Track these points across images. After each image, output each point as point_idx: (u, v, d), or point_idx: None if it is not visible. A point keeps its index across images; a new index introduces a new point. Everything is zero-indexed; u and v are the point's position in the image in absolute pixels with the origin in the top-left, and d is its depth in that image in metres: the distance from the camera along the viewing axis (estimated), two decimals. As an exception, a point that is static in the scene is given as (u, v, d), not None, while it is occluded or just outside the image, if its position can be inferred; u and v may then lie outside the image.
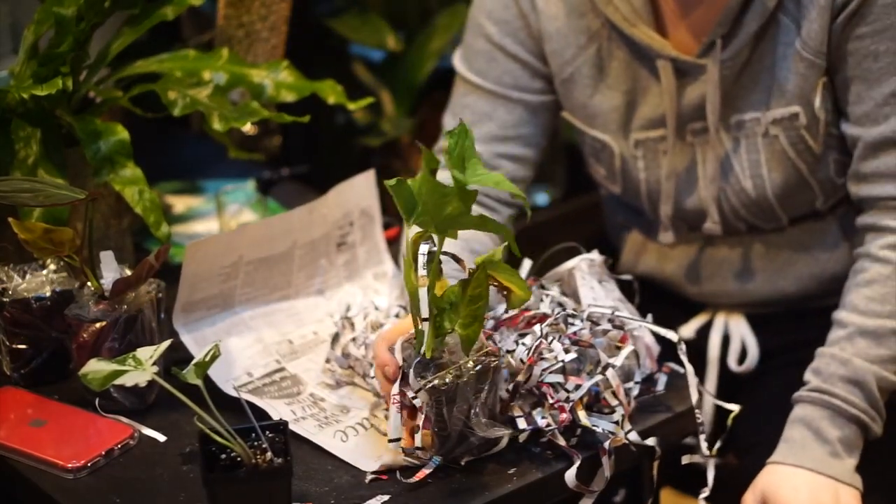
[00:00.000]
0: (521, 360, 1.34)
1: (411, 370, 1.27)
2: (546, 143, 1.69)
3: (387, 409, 1.32)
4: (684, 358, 1.40)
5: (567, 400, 1.33)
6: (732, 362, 1.68)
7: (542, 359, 1.34)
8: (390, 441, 1.29)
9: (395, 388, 1.28)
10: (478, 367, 1.26)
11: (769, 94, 1.52)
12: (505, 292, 1.30)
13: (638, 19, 1.52)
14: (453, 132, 1.24)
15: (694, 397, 1.39)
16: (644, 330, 1.44)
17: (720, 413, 1.52)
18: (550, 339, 1.35)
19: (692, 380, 1.40)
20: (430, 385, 1.25)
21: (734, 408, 1.46)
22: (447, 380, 1.25)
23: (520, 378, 1.33)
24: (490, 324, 1.40)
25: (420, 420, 1.27)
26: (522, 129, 1.65)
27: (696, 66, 1.52)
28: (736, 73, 1.52)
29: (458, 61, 1.67)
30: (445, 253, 1.28)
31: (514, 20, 1.61)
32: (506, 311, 1.40)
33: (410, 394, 1.27)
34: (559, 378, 1.34)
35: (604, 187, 1.74)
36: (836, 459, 1.41)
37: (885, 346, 1.44)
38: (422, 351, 1.27)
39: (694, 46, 1.53)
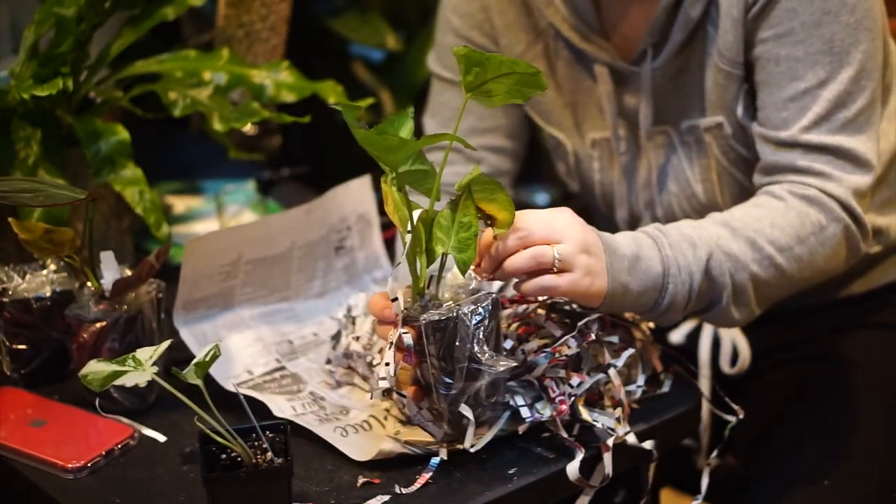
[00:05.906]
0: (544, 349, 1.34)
1: (409, 309, 1.25)
2: (527, 134, 1.71)
3: (384, 399, 1.32)
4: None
5: (569, 395, 1.33)
6: (725, 365, 1.67)
7: (545, 350, 1.34)
8: (381, 379, 1.27)
9: (394, 333, 1.26)
10: (475, 299, 1.25)
11: (702, 102, 1.51)
12: (489, 221, 1.27)
13: (580, 23, 1.53)
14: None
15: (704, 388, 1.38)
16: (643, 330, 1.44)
17: (716, 417, 1.51)
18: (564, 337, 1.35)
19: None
20: (431, 319, 1.23)
21: (731, 419, 1.45)
22: (444, 315, 1.23)
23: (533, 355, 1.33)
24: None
25: (411, 364, 1.26)
26: (500, 120, 1.67)
27: (632, 73, 1.53)
28: (669, 80, 1.52)
29: (431, 61, 1.71)
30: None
31: (477, 13, 1.63)
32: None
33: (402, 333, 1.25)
34: (561, 373, 1.34)
35: (568, 185, 1.74)
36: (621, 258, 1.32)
37: (741, 243, 1.36)
38: (420, 287, 1.25)
39: (633, 53, 1.53)
